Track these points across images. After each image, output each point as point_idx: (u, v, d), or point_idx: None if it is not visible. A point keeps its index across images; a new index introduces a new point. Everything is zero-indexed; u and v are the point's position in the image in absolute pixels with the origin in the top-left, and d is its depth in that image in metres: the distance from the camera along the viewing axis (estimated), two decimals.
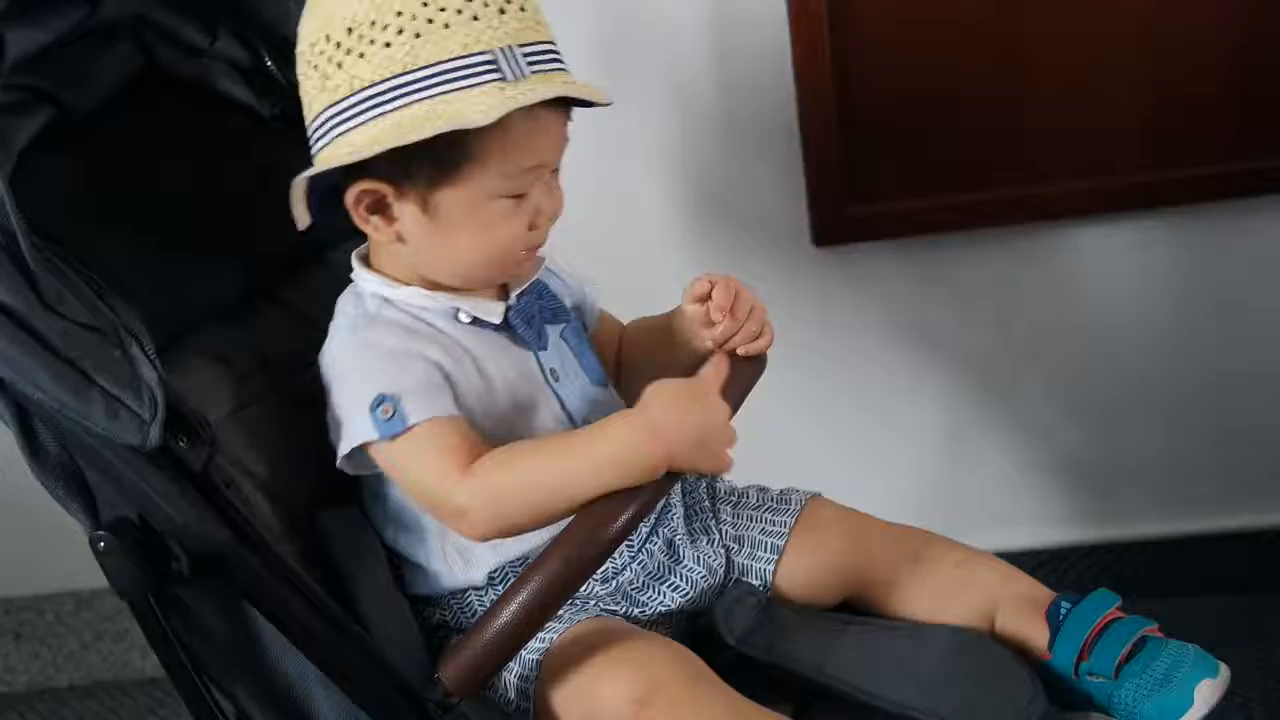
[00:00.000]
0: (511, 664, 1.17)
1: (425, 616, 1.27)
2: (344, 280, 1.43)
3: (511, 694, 1.19)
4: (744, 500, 1.36)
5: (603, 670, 1.14)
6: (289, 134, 1.44)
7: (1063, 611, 1.20)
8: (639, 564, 1.26)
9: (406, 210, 1.17)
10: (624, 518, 1.08)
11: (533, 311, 1.26)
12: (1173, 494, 2.12)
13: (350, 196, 1.18)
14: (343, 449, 1.17)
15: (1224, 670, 1.16)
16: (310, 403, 1.31)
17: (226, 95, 1.41)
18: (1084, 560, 2.15)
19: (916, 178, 1.93)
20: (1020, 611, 1.23)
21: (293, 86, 1.41)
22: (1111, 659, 1.16)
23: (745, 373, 1.23)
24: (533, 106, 1.09)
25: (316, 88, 1.15)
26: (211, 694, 1.19)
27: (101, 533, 1.10)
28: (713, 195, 1.98)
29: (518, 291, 1.25)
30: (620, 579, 1.25)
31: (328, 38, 1.12)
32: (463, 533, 1.15)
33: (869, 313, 2.02)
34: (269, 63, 1.43)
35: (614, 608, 1.25)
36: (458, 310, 1.21)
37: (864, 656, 1.21)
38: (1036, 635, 1.21)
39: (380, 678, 1.13)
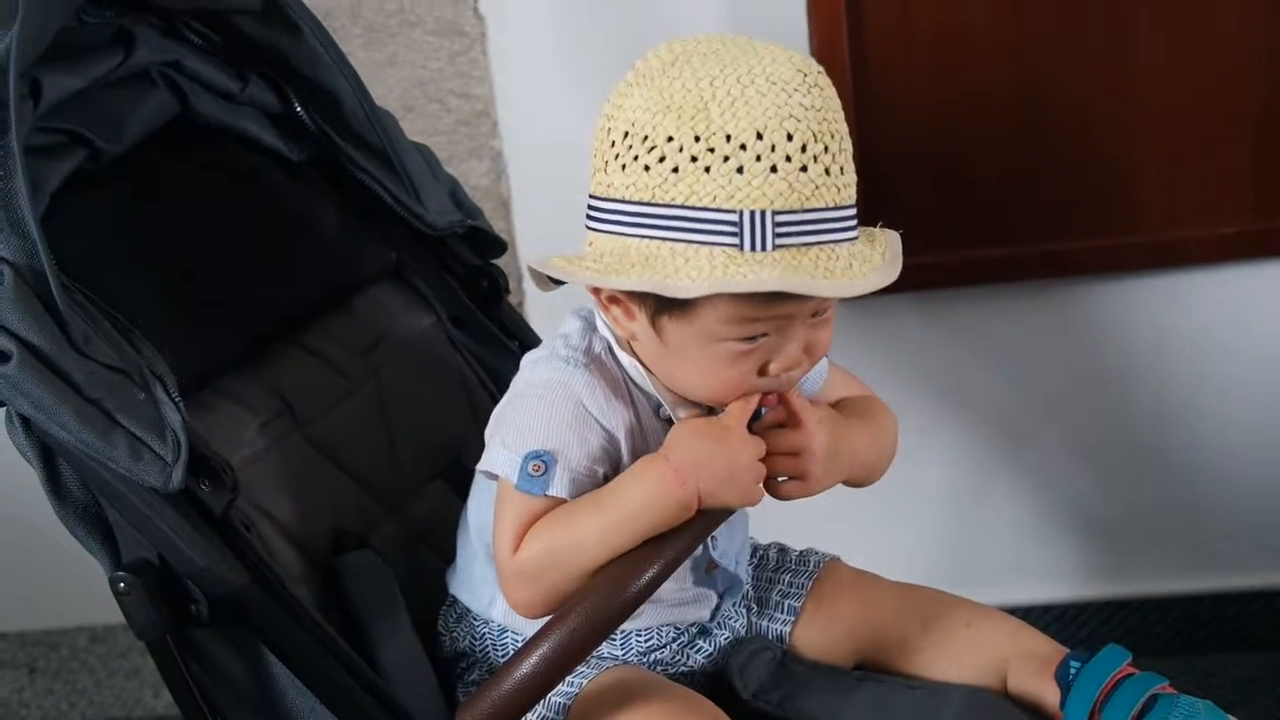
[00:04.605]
0: (536, 705, 1.15)
1: (454, 636, 1.28)
2: (368, 326, 1.45)
3: None
4: (764, 562, 1.37)
5: (636, 718, 1.14)
6: (316, 179, 1.47)
7: (1072, 670, 1.19)
8: (677, 643, 1.26)
9: (640, 318, 1.12)
10: (649, 573, 1.08)
11: None
12: (1192, 551, 2.11)
13: (587, 286, 1.13)
14: (482, 465, 1.16)
15: None
16: (331, 447, 1.33)
17: (255, 140, 1.43)
18: (1098, 615, 2.15)
19: (936, 231, 1.93)
20: (1030, 669, 1.23)
21: (322, 132, 1.45)
22: (1122, 719, 1.16)
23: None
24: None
25: (592, 169, 1.11)
26: None
27: (122, 573, 1.11)
28: None
29: None
30: (658, 654, 1.25)
31: (609, 131, 1.08)
32: (509, 602, 1.14)
33: (886, 364, 2.02)
34: (298, 108, 1.45)
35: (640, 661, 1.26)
36: (661, 406, 1.17)
37: (878, 713, 1.21)
38: (1047, 694, 1.21)
39: None
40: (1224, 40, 1.84)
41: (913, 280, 1.93)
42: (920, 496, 2.10)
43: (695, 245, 1.03)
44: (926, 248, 1.93)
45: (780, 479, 1.15)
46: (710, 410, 1.17)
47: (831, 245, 1.05)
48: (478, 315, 1.55)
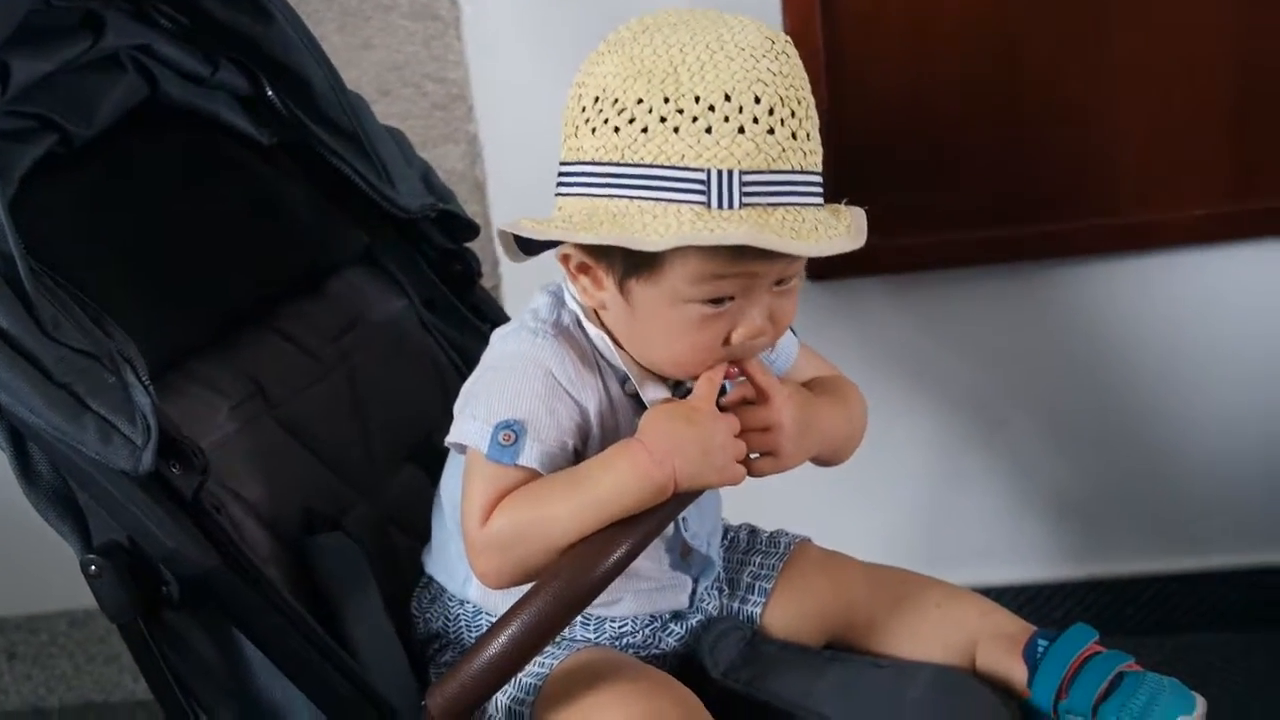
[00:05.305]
0: (506, 686, 1.17)
1: (428, 617, 1.28)
2: (340, 309, 1.45)
3: (501, 715, 1.19)
4: (735, 543, 1.37)
5: (606, 699, 1.15)
6: (287, 163, 1.47)
7: (1039, 649, 1.21)
8: (650, 628, 1.27)
9: (609, 284, 1.13)
10: (617, 554, 1.08)
11: None
12: (1164, 532, 2.13)
13: (557, 255, 1.15)
14: (451, 436, 1.16)
15: (1200, 704, 1.17)
16: (302, 430, 1.33)
17: (227, 124, 1.42)
18: (1072, 596, 2.16)
19: (912, 215, 1.94)
20: (999, 648, 1.24)
21: (293, 116, 1.45)
22: (1088, 697, 1.17)
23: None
24: None
25: (563, 138, 1.12)
26: (199, 717, 1.19)
27: (93, 556, 1.11)
28: None
29: (691, 385, 1.18)
30: (630, 639, 1.26)
31: (580, 97, 1.09)
32: (475, 572, 1.15)
33: (862, 346, 2.03)
34: (270, 92, 1.44)
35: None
36: (627, 379, 1.18)
37: (847, 692, 1.21)
38: (1016, 671, 1.22)
39: (366, 704, 1.14)
40: (1197, 25, 1.85)
41: (885, 264, 1.98)
42: (893, 479, 2.11)
43: (663, 203, 1.04)
44: (899, 232, 1.95)
45: (752, 455, 1.15)
46: (678, 386, 1.18)
47: (798, 208, 1.06)
48: (450, 298, 1.55)
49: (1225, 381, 2.04)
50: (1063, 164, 1.93)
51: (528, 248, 1.19)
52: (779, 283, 1.12)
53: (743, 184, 1.04)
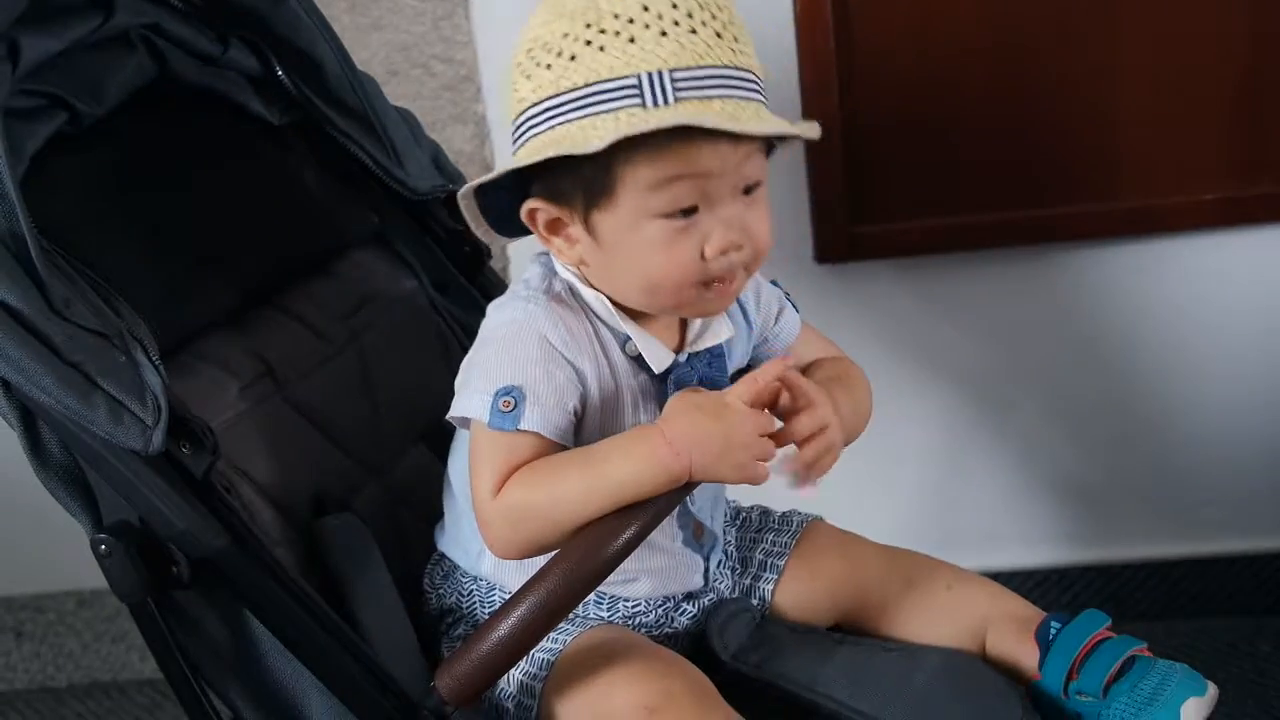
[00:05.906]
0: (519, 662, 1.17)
1: (440, 593, 1.29)
2: (350, 290, 1.45)
3: (514, 689, 1.20)
4: (747, 523, 1.38)
5: (618, 677, 1.15)
6: (297, 143, 1.47)
7: (1052, 631, 1.21)
8: (663, 608, 1.27)
9: (578, 233, 1.14)
10: (626, 535, 1.08)
11: (694, 378, 1.20)
12: (1173, 516, 2.13)
13: (523, 214, 1.16)
14: (453, 411, 1.17)
15: (1211, 689, 1.17)
16: (312, 410, 1.33)
17: (237, 104, 1.42)
18: (1080, 580, 2.16)
19: (918, 198, 1.94)
20: (1010, 632, 1.24)
21: (303, 96, 1.45)
22: (1100, 678, 1.17)
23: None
24: (686, 128, 1.03)
25: (509, 102, 1.14)
26: (208, 698, 1.19)
27: (103, 536, 1.11)
28: None
29: (693, 349, 1.21)
30: (643, 619, 1.26)
31: (515, 56, 1.12)
32: (485, 542, 1.15)
33: (868, 330, 2.03)
34: (280, 72, 1.44)
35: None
36: (628, 340, 1.19)
37: (855, 675, 1.22)
38: (1026, 655, 1.22)
39: (375, 684, 1.14)
40: (1206, 7, 1.85)
41: (893, 247, 1.98)
42: (903, 462, 2.12)
43: (603, 114, 1.06)
44: (907, 214, 1.95)
45: (809, 459, 1.15)
46: (681, 345, 1.19)
47: (738, 101, 1.07)
48: (460, 280, 1.55)
49: (1232, 365, 2.04)
50: (1069, 148, 1.92)
51: (510, 230, 1.20)
52: (745, 192, 1.12)
53: (674, 80, 1.05)
